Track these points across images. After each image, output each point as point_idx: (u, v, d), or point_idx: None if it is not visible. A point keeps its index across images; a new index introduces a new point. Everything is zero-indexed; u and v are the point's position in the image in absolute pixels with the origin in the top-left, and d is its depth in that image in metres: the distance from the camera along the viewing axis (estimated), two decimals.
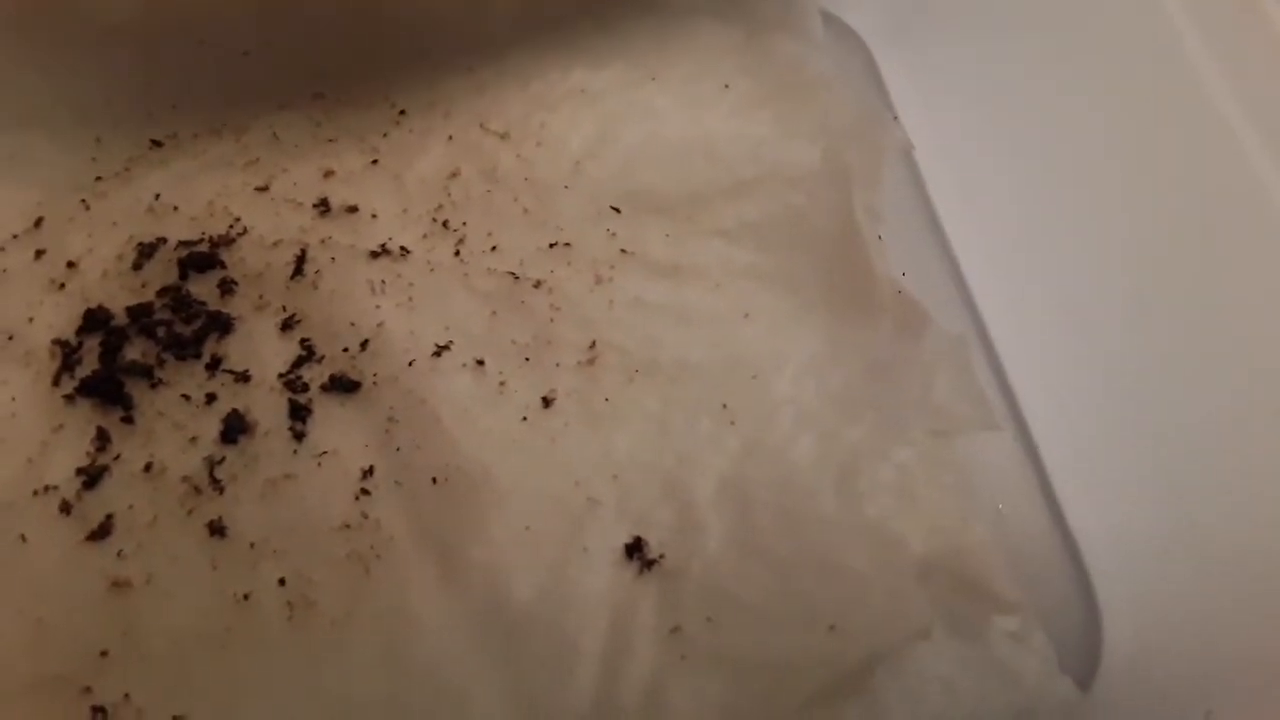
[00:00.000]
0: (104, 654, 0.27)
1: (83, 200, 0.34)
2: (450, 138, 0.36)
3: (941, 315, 0.32)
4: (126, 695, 0.26)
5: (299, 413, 0.31)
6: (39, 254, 0.33)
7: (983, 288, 0.36)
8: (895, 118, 0.38)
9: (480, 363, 0.32)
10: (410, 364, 0.31)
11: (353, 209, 0.35)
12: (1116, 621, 0.30)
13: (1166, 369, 0.30)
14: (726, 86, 0.37)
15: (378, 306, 0.32)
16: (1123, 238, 0.32)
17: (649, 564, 0.28)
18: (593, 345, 0.32)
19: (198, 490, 0.29)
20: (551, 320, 0.33)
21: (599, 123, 0.37)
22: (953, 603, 0.27)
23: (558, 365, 0.32)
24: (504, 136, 0.37)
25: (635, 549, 0.29)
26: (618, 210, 0.35)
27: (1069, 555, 0.31)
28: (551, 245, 0.34)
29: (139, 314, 0.32)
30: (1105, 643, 0.29)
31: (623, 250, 0.34)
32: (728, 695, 0.25)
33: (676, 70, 0.37)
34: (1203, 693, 0.26)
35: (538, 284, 0.33)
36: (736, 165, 0.35)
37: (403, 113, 0.37)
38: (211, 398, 0.31)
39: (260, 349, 0.32)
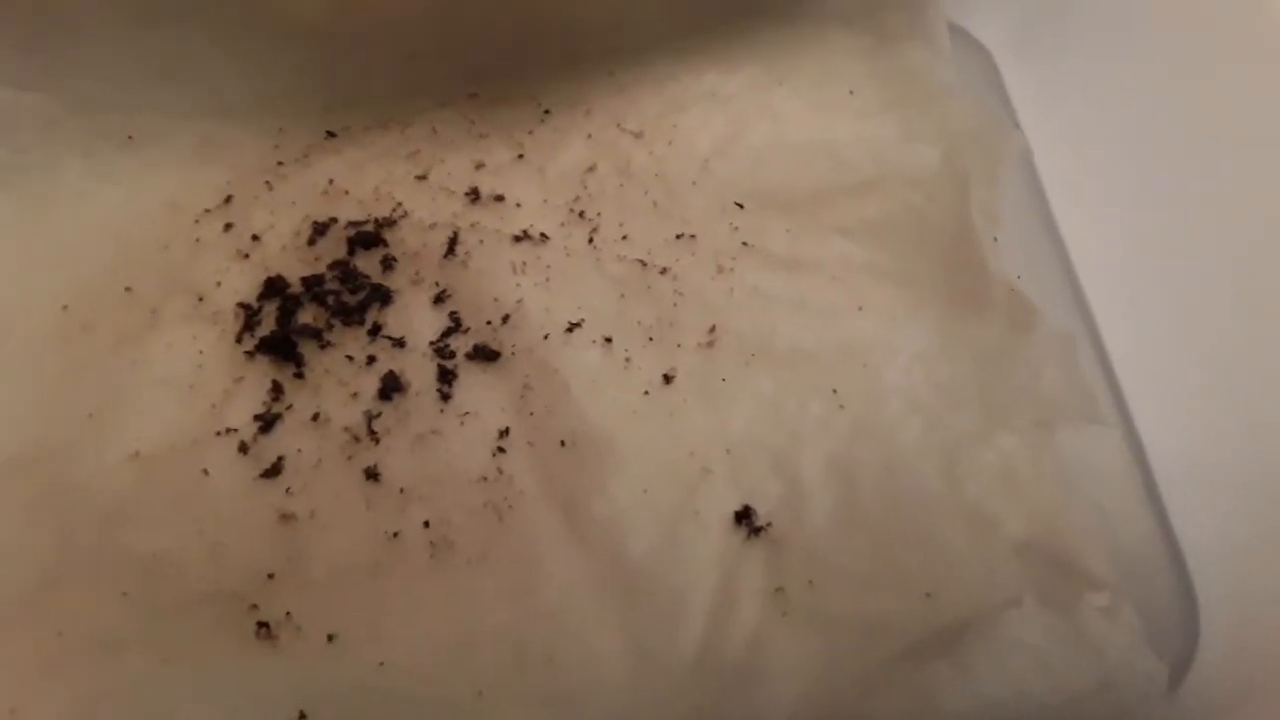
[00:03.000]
0: (270, 576, 0.30)
1: (267, 182, 0.39)
2: (589, 135, 0.39)
3: (1054, 316, 0.32)
4: (288, 614, 0.30)
5: (446, 377, 0.34)
6: (228, 227, 0.37)
7: (1096, 291, 0.37)
8: (1017, 125, 0.39)
9: (608, 340, 0.34)
10: (545, 338, 0.34)
11: (499, 198, 0.38)
12: (1213, 620, 0.30)
13: (1276, 372, 0.30)
14: (851, 92, 0.39)
15: (518, 285, 0.36)
16: (1237, 242, 0.32)
17: (756, 531, 0.30)
18: (712, 329, 0.34)
19: (357, 439, 0.33)
20: (675, 305, 0.35)
21: (728, 124, 0.39)
22: (1045, 578, 0.27)
23: (679, 346, 0.34)
24: (638, 135, 0.39)
25: (744, 516, 0.31)
26: (741, 206, 0.37)
27: (1170, 552, 0.32)
28: (678, 236, 0.37)
29: (312, 284, 0.36)
30: (1201, 640, 0.30)
31: (744, 243, 0.36)
32: (824, 649, 0.27)
33: (805, 75, 0.39)
34: None
35: (664, 271, 0.36)
36: (858, 166, 0.37)
37: (548, 112, 0.40)
38: (372, 359, 0.34)
39: (414, 319, 0.35)
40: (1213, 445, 0.33)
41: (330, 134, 0.40)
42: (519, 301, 0.35)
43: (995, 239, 0.34)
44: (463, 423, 0.33)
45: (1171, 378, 0.35)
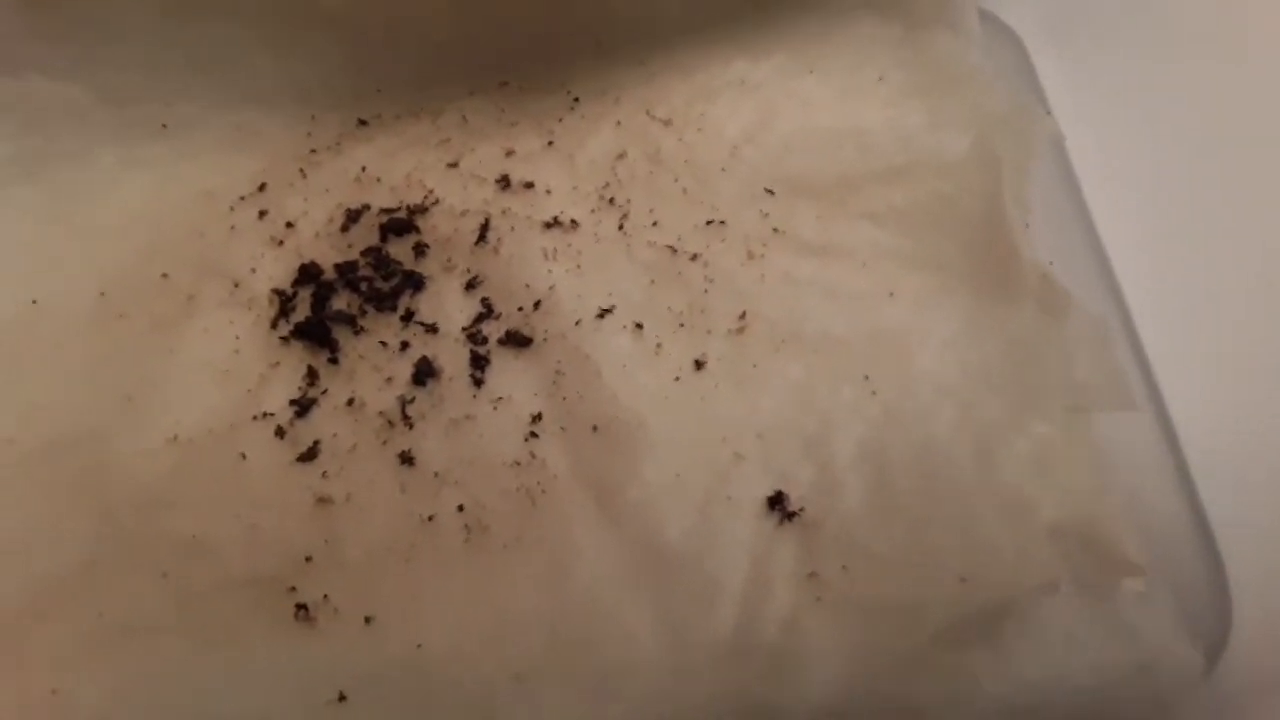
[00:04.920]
0: (308, 559, 0.31)
1: (300, 169, 0.39)
2: (619, 123, 0.40)
3: (1086, 301, 0.32)
4: (325, 596, 0.30)
5: (479, 362, 0.34)
6: (262, 214, 0.38)
7: (1128, 276, 0.37)
8: (1048, 111, 0.39)
9: (639, 326, 0.34)
10: (577, 324, 0.34)
11: (530, 185, 0.38)
12: (1246, 604, 0.30)
13: None
14: (881, 79, 0.39)
15: (549, 271, 0.36)
16: (1269, 226, 0.32)
17: (789, 515, 0.30)
18: (743, 315, 0.35)
19: (391, 424, 0.33)
20: (705, 291, 0.35)
21: (757, 111, 0.39)
22: (1081, 562, 0.28)
23: (709, 332, 0.34)
24: (667, 123, 0.39)
25: (776, 501, 0.31)
26: (771, 192, 0.37)
27: (1201, 535, 0.32)
28: (708, 223, 0.37)
29: (345, 270, 0.36)
30: (1234, 624, 0.30)
31: (774, 229, 0.36)
32: (860, 633, 0.27)
33: (834, 63, 0.39)
34: None
35: (694, 257, 0.36)
36: (888, 153, 0.37)
37: (577, 100, 0.41)
38: (405, 345, 0.35)
39: (447, 305, 0.36)
40: (1244, 428, 0.33)
41: (362, 122, 0.40)
42: (551, 288, 0.35)
43: (1026, 225, 0.34)
44: (496, 408, 0.33)
45: (1203, 360, 0.35)
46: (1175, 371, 0.35)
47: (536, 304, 0.35)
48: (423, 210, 0.38)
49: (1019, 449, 0.30)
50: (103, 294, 0.35)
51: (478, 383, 0.34)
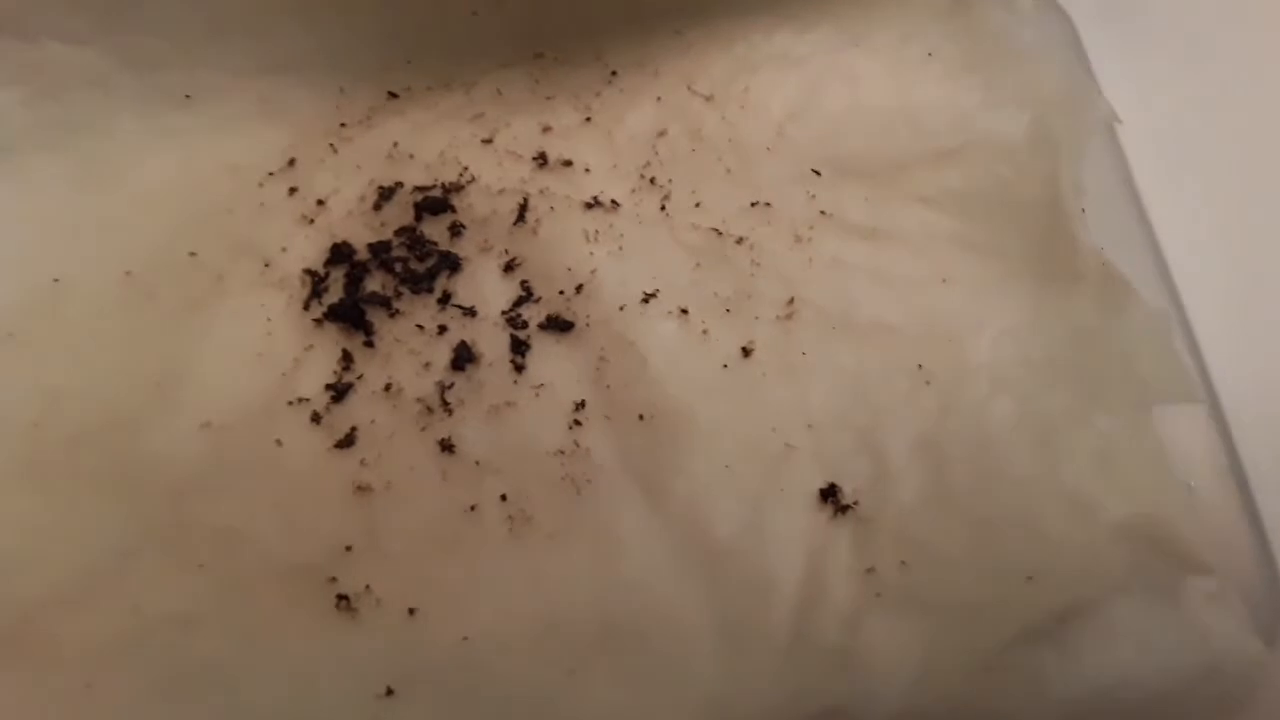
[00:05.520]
0: (348, 549, 0.30)
1: (330, 144, 0.38)
2: (659, 98, 0.38)
3: (1139, 289, 0.32)
4: (367, 587, 0.29)
5: (519, 347, 0.33)
6: (292, 191, 0.37)
7: (1180, 263, 0.36)
8: (1099, 92, 0.38)
9: (684, 311, 0.34)
10: (621, 309, 0.34)
11: (568, 163, 0.37)
12: None
13: None
14: (930, 54, 0.37)
15: (591, 254, 0.35)
16: None
17: (843, 509, 0.30)
18: (791, 301, 0.34)
19: (430, 410, 0.32)
20: (752, 275, 0.34)
21: (801, 87, 0.38)
22: (1148, 562, 0.27)
23: (757, 318, 0.33)
24: (709, 99, 0.38)
25: (830, 494, 0.30)
26: (818, 173, 0.36)
27: (1254, 528, 0.31)
28: (753, 204, 0.36)
29: (379, 250, 0.35)
30: None
31: (822, 212, 0.35)
32: (926, 634, 0.27)
33: (880, 35, 0.38)
34: None
35: (740, 240, 0.35)
36: (940, 133, 0.35)
37: (614, 73, 0.39)
38: (443, 329, 0.34)
39: (484, 287, 0.34)
40: None
41: (392, 94, 0.39)
42: (592, 271, 0.34)
43: (1083, 210, 0.33)
44: (537, 394, 0.32)
45: (1256, 352, 0.34)
46: (1227, 361, 0.34)
47: (578, 288, 0.34)
48: (458, 189, 0.36)
49: (1081, 445, 0.29)
50: (128, 273, 0.34)
51: (518, 368, 0.33)
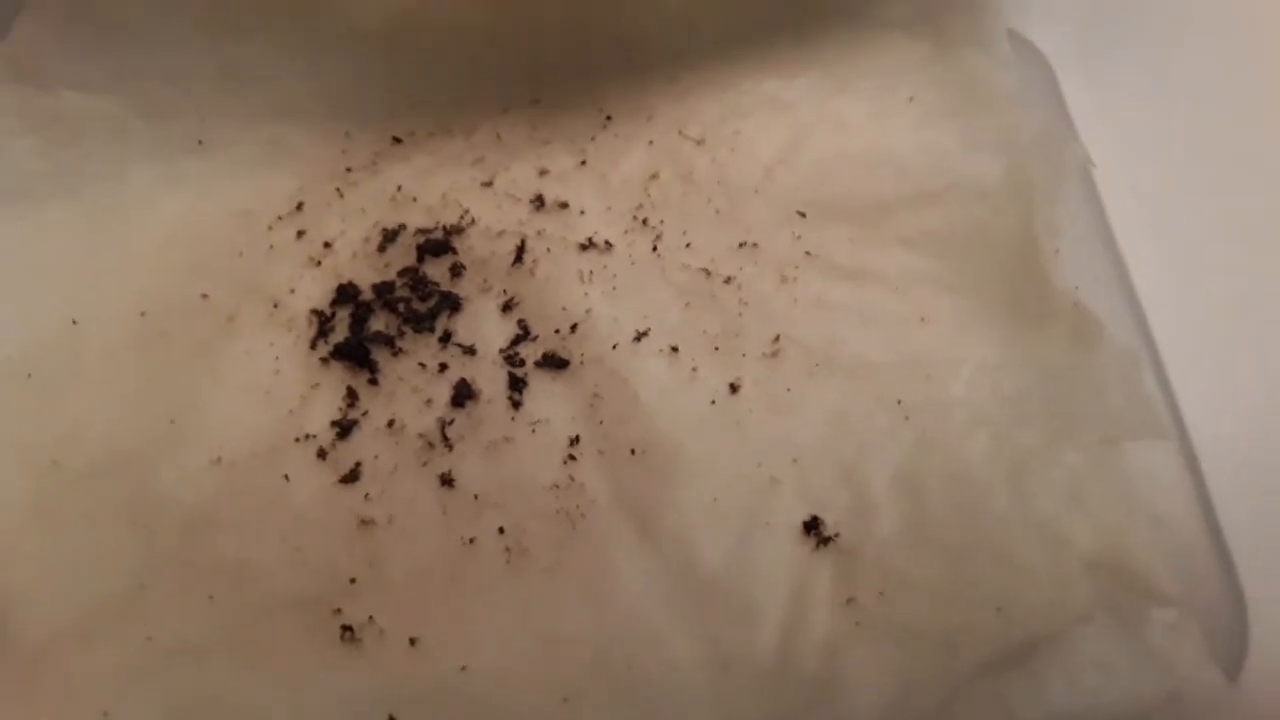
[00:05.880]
0: (352, 581, 0.31)
1: (337, 188, 0.39)
2: (651, 142, 0.40)
3: (1112, 328, 0.33)
4: (371, 618, 0.30)
5: (517, 384, 0.34)
6: (300, 234, 0.38)
7: (1153, 303, 0.37)
8: (1075, 136, 0.39)
9: (675, 349, 0.35)
10: (614, 347, 0.35)
11: (564, 205, 0.39)
12: (1263, 623, 0.31)
13: None
14: (911, 99, 0.39)
15: (586, 294, 0.36)
16: None
17: (825, 541, 0.31)
18: (777, 339, 0.35)
19: (431, 446, 0.33)
20: (739, 314, 0.36)
21: (789, 131, 0.39)
22: (1114, 594, 0.28)
23: (744, 355, 0.35)
24: (700, 142, 0.40)
25: (813, 526, 0.31)
26: (804, 215, 0.37)
27: (1220, 558, 0.32)
28: (741, 245, 0.37)
29: (383, 291, 0.37)
30: (1251, 643, 0.31)
31: (807, 253, 0.37)
32: (901, 661, 0.28)
33: (865, 81, 0.40)
34: None
35: (728, 280, 0.36)
36: (921, 176, 0.37)
37: (609, 118, 0.41)
38: (444, 367, 0.35)
39: (484, 327, 0.36)
40: (1264, 454, 0.33)
41: (396, 139, 0.41)
42: (587, 311, 0.36)
43: (1056, 251, 0.35)
44: (534, 430, 0.34)
45: (1225, 389, 0.35)
46: (1197, 397, 0.36)
47: (573, 327, 0.35)
48: (459, 231, 0.38)
49: (1053, 479, 0.30)
50: (143, 314, 0.36)
51: (516, 405, 0.34)
